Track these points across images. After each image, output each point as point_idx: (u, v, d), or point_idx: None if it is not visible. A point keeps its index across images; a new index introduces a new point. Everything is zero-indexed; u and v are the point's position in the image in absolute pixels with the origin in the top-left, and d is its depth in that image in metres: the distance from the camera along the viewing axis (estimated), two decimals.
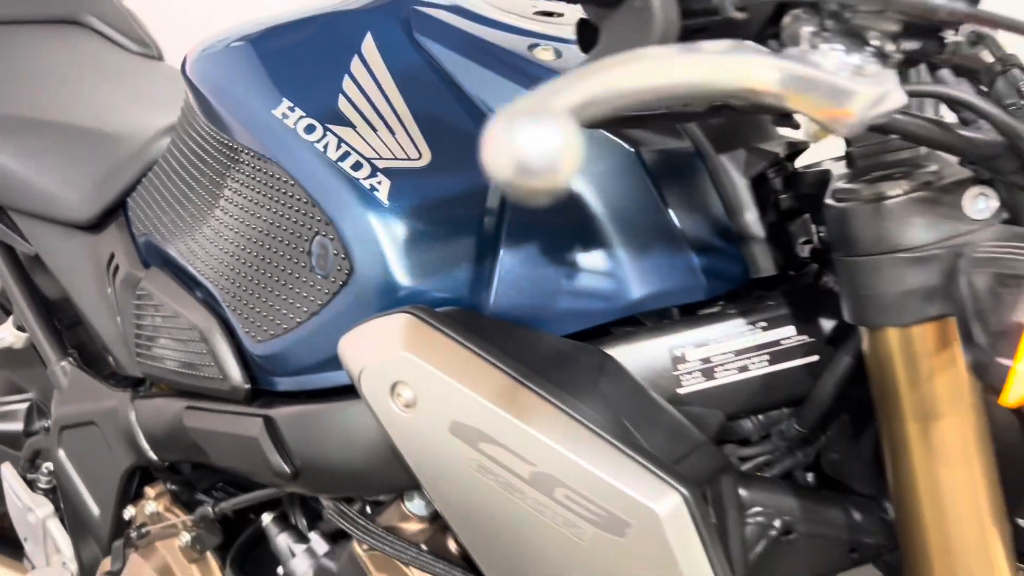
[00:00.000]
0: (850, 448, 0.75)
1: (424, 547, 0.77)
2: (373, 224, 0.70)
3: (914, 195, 0.56)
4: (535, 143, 0.27)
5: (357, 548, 0.81)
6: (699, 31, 0.43)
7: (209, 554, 1.01)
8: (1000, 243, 0.54)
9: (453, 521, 0.67)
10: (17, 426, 1.37)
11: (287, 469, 0.79)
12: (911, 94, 0.50)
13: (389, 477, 0.74)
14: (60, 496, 1.23)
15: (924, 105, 0.59)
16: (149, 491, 1.08)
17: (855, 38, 0.42)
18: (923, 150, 0.60)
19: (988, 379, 0.46)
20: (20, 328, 1.27)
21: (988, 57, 0.80)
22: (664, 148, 0.73)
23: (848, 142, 0.62)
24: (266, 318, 0.79)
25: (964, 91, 0.52)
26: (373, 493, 0.81)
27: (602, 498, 0.56)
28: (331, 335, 0.72)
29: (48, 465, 1.27)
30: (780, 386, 0.72)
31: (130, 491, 1.12)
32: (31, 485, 1.29)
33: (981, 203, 0.56)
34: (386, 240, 0.70)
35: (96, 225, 1.12)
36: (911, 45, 0.49)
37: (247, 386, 0.84)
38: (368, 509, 0.85)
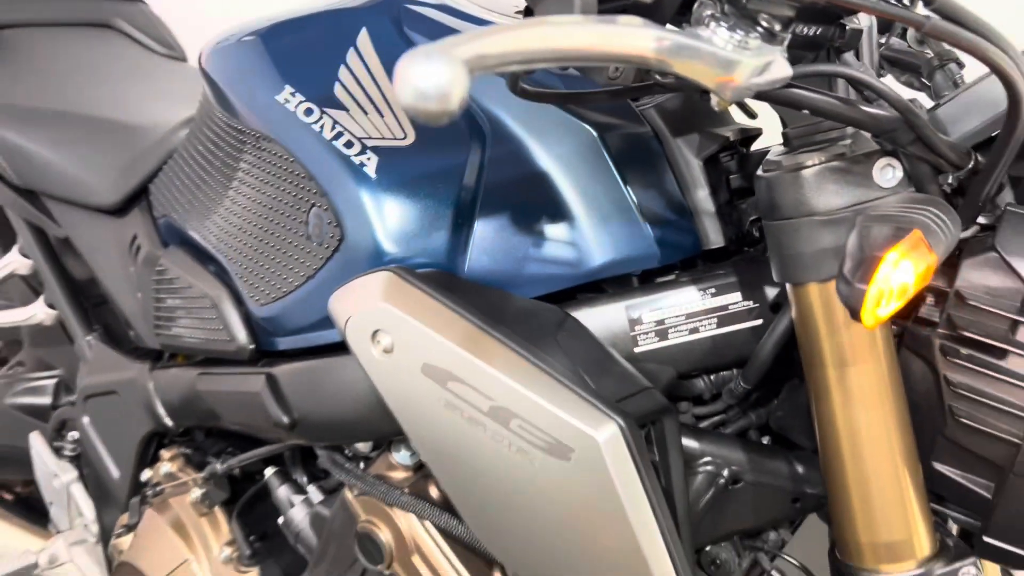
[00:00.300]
0: (793, 405, 0.82)
1: (407, 491, 0.85)
2: (362, 196, 0.79)
3: (828, 165, 0.63)
4: (429, 77, 0.35)
5: (348, 494, 0.89)
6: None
7: (217, 509, 1.09)
8: (899, 204, 0.61)
9: (428, 458, 0.75)
10: (46, 400, 1.46)
11: (285, 420, 0.87)
12: (813, 74, 0.58)
13: (375, 424, 0.82)
14: (83, 462, 1.32)
15: (851, 90, 0.67)
16: (164, 454, 1.17)
17: (749, 20, 0.50)
18: (849, 130, 0.67)
19: (850, 304, 0.53)
20: (50, 306, 1.36)
21: (929, 53, 0.88)
22: (624, 131, 0.81)
23: (784, 123, 0.70)
24: (268, 283, 0.88)
25: (863, 72, 0.59)
26: (362, 440, 0.89)
27: (550, 427, 0.64)
28: (324, 296, 0.80)
29: (73, 434, 1.36)
30: (727, 347, 0.79)
31: (147, 456, 1.21)
32: (57, 453, 1.38)
33: (889, 173, 0.64)
34: (373, 210, 0.78)
35: (121, 209, 1.21)
36: (811, 30, 0.57)
37: (251, 347, 0.92)
38: (361, 466, 0.93)
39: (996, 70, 0.53)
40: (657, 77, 0.58)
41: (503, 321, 0.70)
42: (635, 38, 0.42)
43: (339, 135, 0.80)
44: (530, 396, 0.65)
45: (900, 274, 0.51)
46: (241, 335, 0.93)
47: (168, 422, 1.13)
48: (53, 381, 1.48)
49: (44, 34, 1.45)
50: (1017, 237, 0.65)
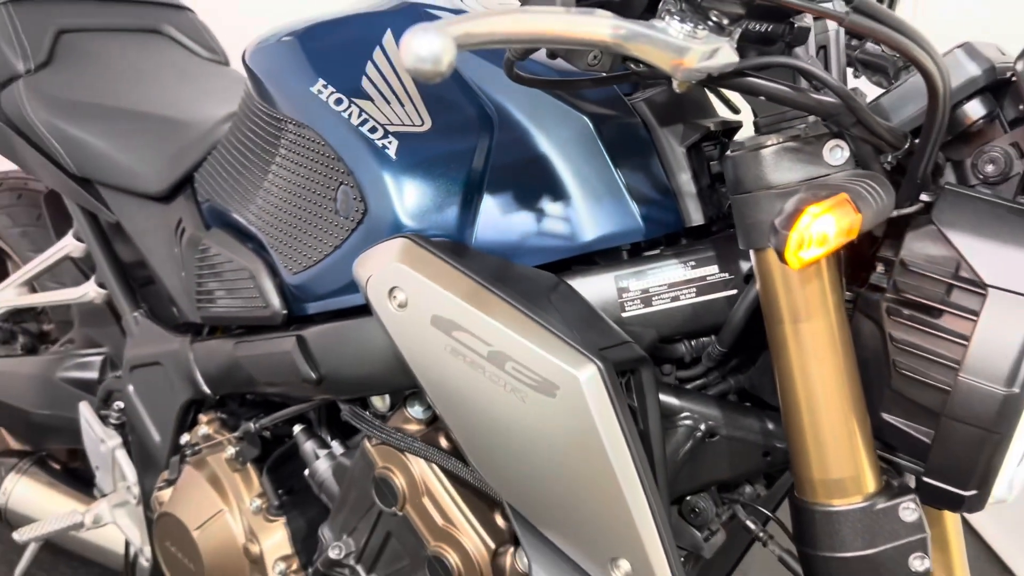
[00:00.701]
0: (767, 370, 0.91)
1: (420, 439, 0.95)
2: (384, 175, 0.89)
3: (784, 145, 0.73)
4: (425, 47, 0.46)
5: (367, 444, 0.99)
6: None
7: (249, 465, 1.20)
8: (842, 178, 0.71)
9: (436, 401, 0.85)
10: (93, 374, 1.59)
11: (313, 376, 0.98)
12: (765, 64, 0.68)
13: (392, 377, 0.92)
14: (128, 429, 1.43)
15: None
16: (202, 418, 1.28)
17: (701, 15, 0.60)
18: (811, 119, 0.77)
19: (776, 247, 0.62)
20: (100, 285, 1.48)
21: (896, 55, 0.98)
22: (616, 121, 0.91)
23: (755, 113, 0.79)
24: (300, 254, 0.99)
25: (810, 64, 0.68)
26: (380, 392, 0.99)
27: (539, 367, 0.74)
28: (349, 263, 0.91)
29: (119, 404, 1.48)
30: (706, 313, 0.88)
31: (186, 421, 1.32)
32: (103, 421, 1.50)
33: (837, 153, 0.73)
34: (393, 187, 0.89)
35: (168, 196, 1.33)
36: (763, 27, 0.67)
37: (284, 312, 1.03)
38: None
39: (914, 61, 0.63)
40: (632, 65, 0.68)
41: (503, 281, 0.81)
42: (595, 25, 0.52)
43: (365, 122, 0.91)
44: (522, 341, 0.75)
45: (820, 225, 0.60)
46: (275, 302, 1.04)
47: (206, 390, 1.24)
48: (100, 358, 1.59)
49: (101, 38, 1.58)
50: (952, 211, 0.74)
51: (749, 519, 0.96)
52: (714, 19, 0.60)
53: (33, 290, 1.68)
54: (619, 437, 0.75)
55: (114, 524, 1.50)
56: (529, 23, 0.50)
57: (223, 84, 1.56)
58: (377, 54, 0.95)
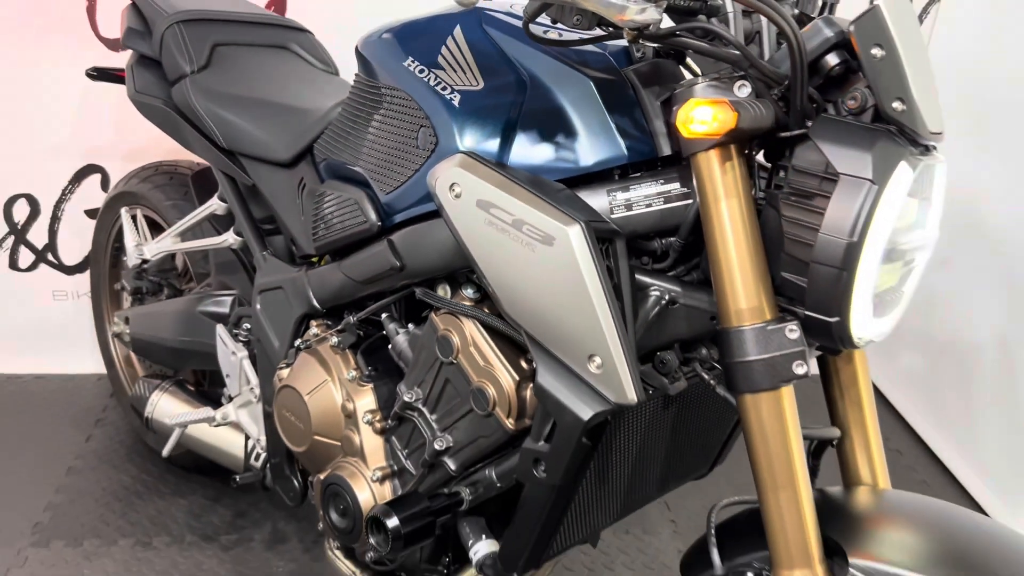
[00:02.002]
0: None
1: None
2: (450, 119, 1.31)
3: (707, 84, 1.11)
4: None
5: (433, 315, 1.39)
6: None
7: (347, 350, 1.61)
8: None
9: (479, 263, 1.24)
10: (225, 310, 2.03)
11: (398, 264, 1.39)
12: (687, 28, 1.07)
13: (452, 261, 1.33)
14: (253, 342, 1.87)
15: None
16: (312, 323, 1.70)
17: None
18: (737, 74, 1.15)
19: (671, 121, 1.00)
20: (238, 234, 1.94)
21: None
22: (612, 83, 1.30)
23: (701, 72, 1.18)
24: (391, 179, 1.41)
25: (718, 27, 1.07)
26: (443, 272, 1.39)
27: (543, 226, 1.14)
28: (424, 181, 1.32)
29: (247, 326, 1.92)
30: (670, 216, 1.26)
31: (299, 330, 1.74)
32: (234, 338, 1.94)
33: (743, 89, 1.11)
34: (456, 126, 1.30)
35: (293, 163, 1.76)
36: (684, 1, 1.06)
37: (379, 223, 1.45)
38: None
39: (774, 23, 1.01)
40: (608, 29, 1.08)
41: (525, 181, 1.21)
42: None
43: (439, 83, 1.33)
44: (534, 211, 1.15)
45: (701, 112, 0.99)
46: (373, 217, 1.46)
47: (316, 305, 1.67)
48: (231, 297, 2.04)
49: (245, 50, 2.07)
50: (823, 130, 1.10)
51: (704, 372, 1.31)
52: None
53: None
54: (597, 283, 1.13)
55: (237, 423, 1.93)
56: None
57: (334, 87, 2.02)
58: (449, 40, 1.37)
